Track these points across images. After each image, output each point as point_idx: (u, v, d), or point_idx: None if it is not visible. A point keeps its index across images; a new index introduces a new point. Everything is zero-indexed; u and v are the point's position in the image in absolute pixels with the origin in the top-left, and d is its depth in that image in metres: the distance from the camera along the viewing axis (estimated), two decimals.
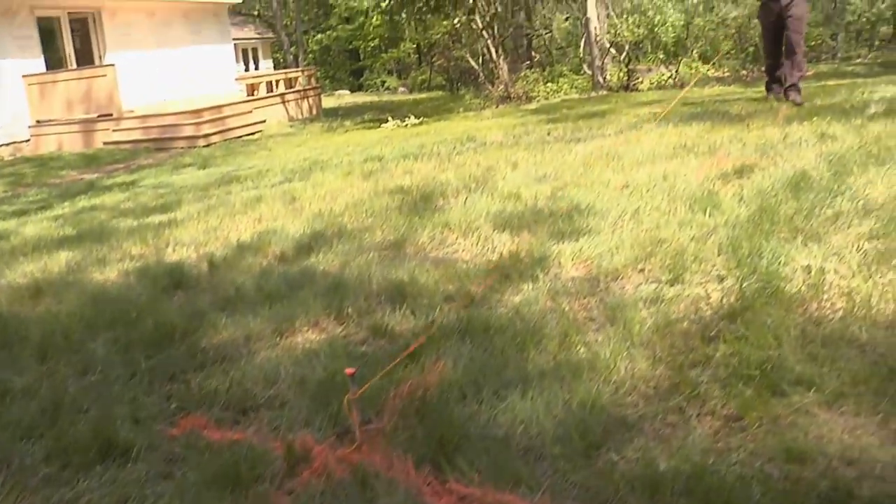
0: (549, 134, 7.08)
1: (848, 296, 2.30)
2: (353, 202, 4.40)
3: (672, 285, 2.51)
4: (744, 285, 2.40)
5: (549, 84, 14.53)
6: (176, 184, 8.38)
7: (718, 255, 2.67)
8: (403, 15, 14.99)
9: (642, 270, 2.67)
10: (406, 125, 12.15)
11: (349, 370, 1.82)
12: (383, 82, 34.02)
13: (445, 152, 6.66)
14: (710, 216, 3.04)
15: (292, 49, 36.66)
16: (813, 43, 32.12)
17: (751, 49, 21.98)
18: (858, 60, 22.68)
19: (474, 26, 14.20)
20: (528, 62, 19.92)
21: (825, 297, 2.32)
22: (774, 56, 7.47)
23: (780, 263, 2.53)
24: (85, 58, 17.75)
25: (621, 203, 3.40)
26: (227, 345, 2.54)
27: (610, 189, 3.70)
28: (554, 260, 2.80)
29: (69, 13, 17.11)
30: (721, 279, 2.52)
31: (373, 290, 2.84)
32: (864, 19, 24.68)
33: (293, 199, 5.02)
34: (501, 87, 14.28)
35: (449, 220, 3.46)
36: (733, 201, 3.20)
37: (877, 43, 27.80)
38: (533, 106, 12.30)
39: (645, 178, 3.85)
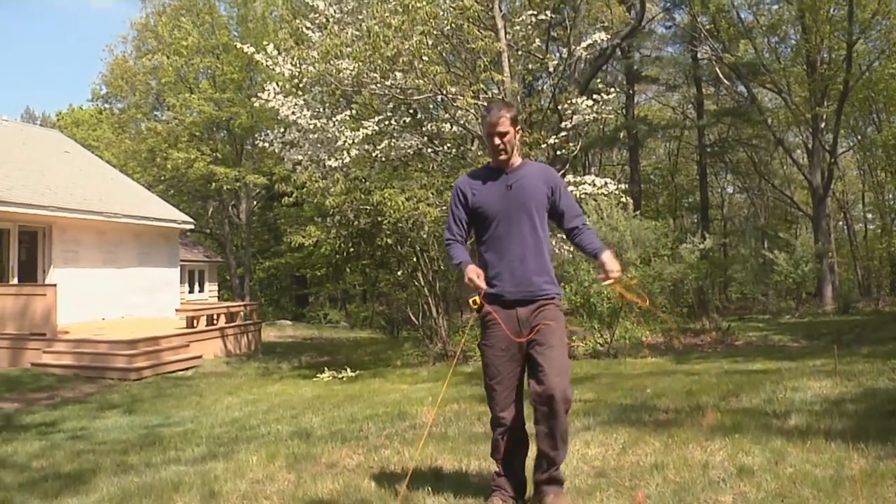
0: (479, 419, 7.14)
1: None
2: None
3: None
4: None
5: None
6: (97, 436, 8.16)
7: None
8: (348, 269, 15.48)
9: None
10: (342, 378, 12.18)
11: None
12: (325, 315, 34.45)
13: (374, 434, 6.66)
14: None
15: (239, 270, 37.25)
16: (746, 292, 34.09)
17: (685, 310, 23.00)
18: (787, 317, 23.80)
19: (417, 283, 14.68)
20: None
21: None
22: (515, 410, 4.06)
23: None
24: (28, 270, 17.82)
25: None
26: None
27: None
28: None
29: (20, 226, 17.33)
30: None
31: None
32: (791, 280, 26.19)
33: (212, 494, 4.91)
34: (440, 344, 14.57)
35: None
36: None
37: (803, 295, 29.37)
38: (469, 369, 12.48)
39: None
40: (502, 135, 4.03)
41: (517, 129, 4.12)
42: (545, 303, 4.00)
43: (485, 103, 14.42)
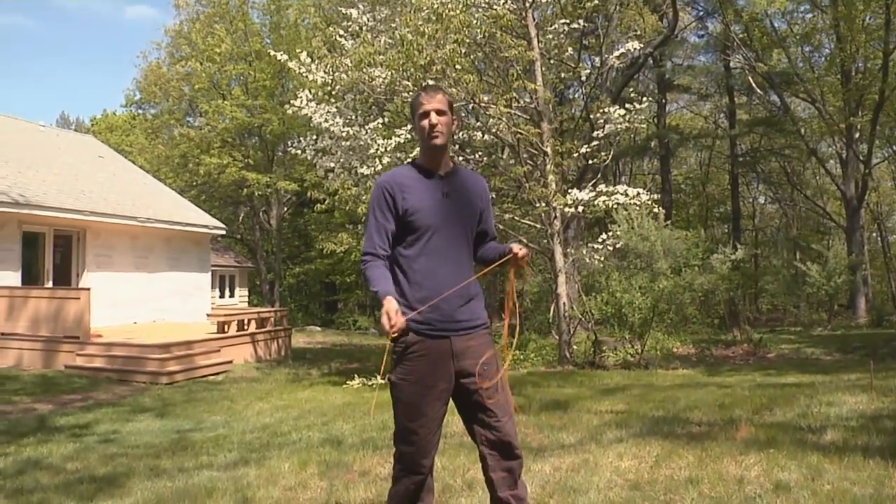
0: None
1: None
2: None
3: None
4: None
5: (516, 351, 14.80)
6: (129, 439, 8.23)
7: None
8: None
9: None
10: (372, 385, 12.20)
11: None
12: (355, 321, 34.54)
13: None
14: None
15: (269, 276, 37.45)
16: (777, 304, 33.69)
17: (716, 321, 22.80)
18: (819, 329, 23.50)
19: None
20: (499, 324, 20.62)
21: None
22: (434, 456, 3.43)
23: None
24: (63, 273, 18.04)
25: None
26: None
27: None
28: None
29: (55, 230, 17.54)
30: None
31: None
32: (823, 292, 25.90)
33: (245, 501, 4.94)
34: None
35: None
36: None
37: (836, 307, 28.98)
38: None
39: None
40: (440, 112, 3.37)
41: (454, 118, 3.49)
42: (482, 333, 3.40)
43: (518, 112, 14.43)
